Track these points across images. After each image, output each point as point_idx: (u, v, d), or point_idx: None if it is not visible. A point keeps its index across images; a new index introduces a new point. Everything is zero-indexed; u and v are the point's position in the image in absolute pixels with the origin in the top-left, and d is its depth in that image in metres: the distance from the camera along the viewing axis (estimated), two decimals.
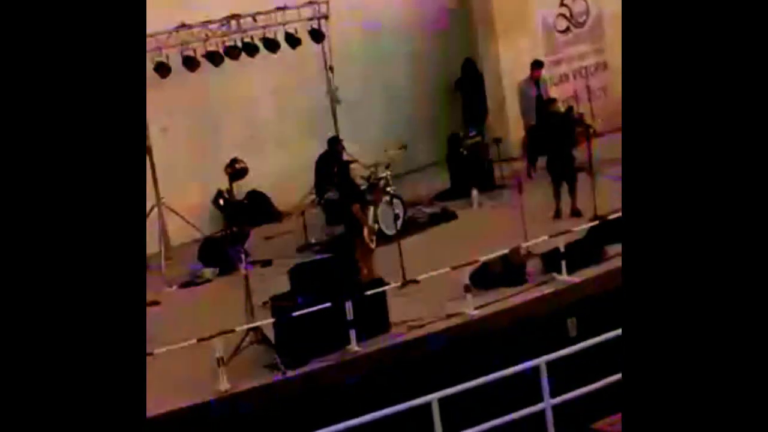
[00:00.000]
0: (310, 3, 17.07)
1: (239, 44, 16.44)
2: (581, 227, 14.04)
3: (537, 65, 18.24)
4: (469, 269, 12.95)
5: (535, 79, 18.15)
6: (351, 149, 16.81)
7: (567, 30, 19.87)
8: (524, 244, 13.65)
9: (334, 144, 15.96)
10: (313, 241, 15.80)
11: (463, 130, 18.28)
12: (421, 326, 12.26)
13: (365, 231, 13.64)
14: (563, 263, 13.18)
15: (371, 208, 14.59)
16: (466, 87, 19.35)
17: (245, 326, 11.81)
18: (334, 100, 17.69)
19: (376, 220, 14.69)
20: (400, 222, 15.30)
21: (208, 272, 15.21)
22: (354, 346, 11.83)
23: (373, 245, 13.73)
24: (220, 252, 15.30)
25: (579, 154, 15.81)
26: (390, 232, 15.05)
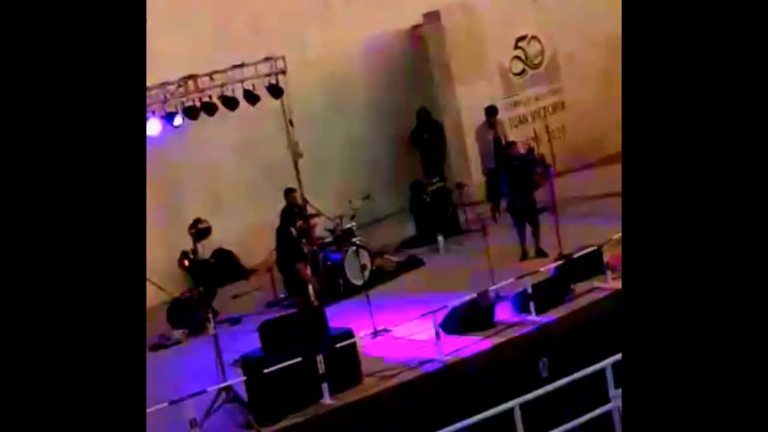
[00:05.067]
0: (267, 59, 17.12)
1: (197, 104, 16.44)
2: (547, 267, 14.09)
3: (491, 111, 18.37)
4: (438, 316, 12.97)
5: (490, 124, 18.29)
6: (314, 202, 16.83)
7: (523, 72, 20.05)
8: (492, 287, 13.68)
9: (289, 194, 15.83)
10: (282, 296, 15.76)
11: (425, 178, 18.37)
12: (394, 375, 12.23)
13: (310, 289, 13.81)
14: (532, 304, 13.22)
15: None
16: (423, 135, 19.42)
17: (216, 386, 11.74)
18: (296, 154, 17.71)
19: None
20: (367, 272, 15.30)
21: (177, 334, 15.13)
22: (327, 400, 11.77)
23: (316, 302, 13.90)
24: (188, 313, 15.23)
25: (541, 194, 15.90)
26: (358, 282, 15.05)
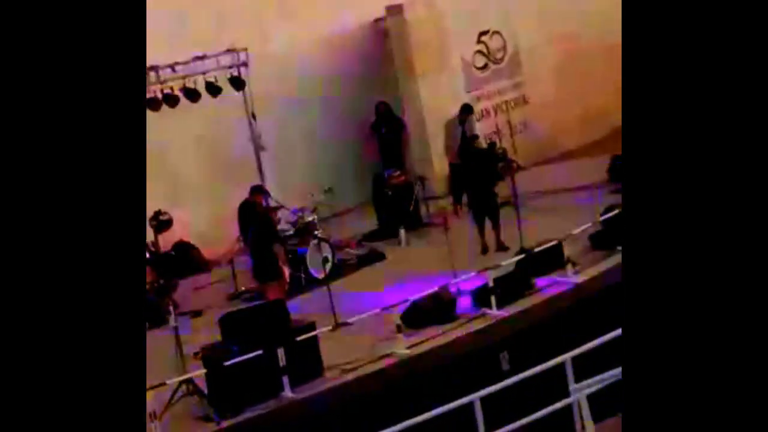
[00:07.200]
0: (229, 51, 17.06)
1: (159, 95, 16.34)
2: (508, 261, 14.14)
3: (465, 110, 18.41)
4: (400, 309, 12.98)
5: (461, 120, 18.32)
6: (276, 195, 16.78)
7: (485, 66, 20.09)
8: (453, 281, 13.72)
9: (256, 193, 15.76)
10: (243, 289, 15.71)
11: (383, 171, 18.38)
12: (355, 369, 12.23)
13: (285, 272, 13.76)
14: (493, 298, 13.26)
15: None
16: (382, 129, 19.43)
17: (177, 379, 11.70)
18: (258, 147, 17.67)
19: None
20: (329, 265, 15.28)
21: None
22: (288, 393, 11.76)
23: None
24: (148, 305, 15.12)
25: (502, 188, 15.95)
26: (319, 275, 15.04)
